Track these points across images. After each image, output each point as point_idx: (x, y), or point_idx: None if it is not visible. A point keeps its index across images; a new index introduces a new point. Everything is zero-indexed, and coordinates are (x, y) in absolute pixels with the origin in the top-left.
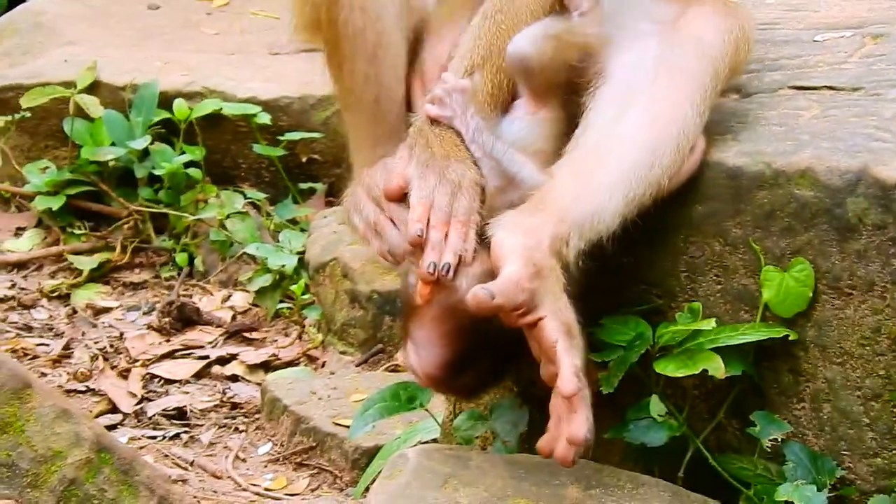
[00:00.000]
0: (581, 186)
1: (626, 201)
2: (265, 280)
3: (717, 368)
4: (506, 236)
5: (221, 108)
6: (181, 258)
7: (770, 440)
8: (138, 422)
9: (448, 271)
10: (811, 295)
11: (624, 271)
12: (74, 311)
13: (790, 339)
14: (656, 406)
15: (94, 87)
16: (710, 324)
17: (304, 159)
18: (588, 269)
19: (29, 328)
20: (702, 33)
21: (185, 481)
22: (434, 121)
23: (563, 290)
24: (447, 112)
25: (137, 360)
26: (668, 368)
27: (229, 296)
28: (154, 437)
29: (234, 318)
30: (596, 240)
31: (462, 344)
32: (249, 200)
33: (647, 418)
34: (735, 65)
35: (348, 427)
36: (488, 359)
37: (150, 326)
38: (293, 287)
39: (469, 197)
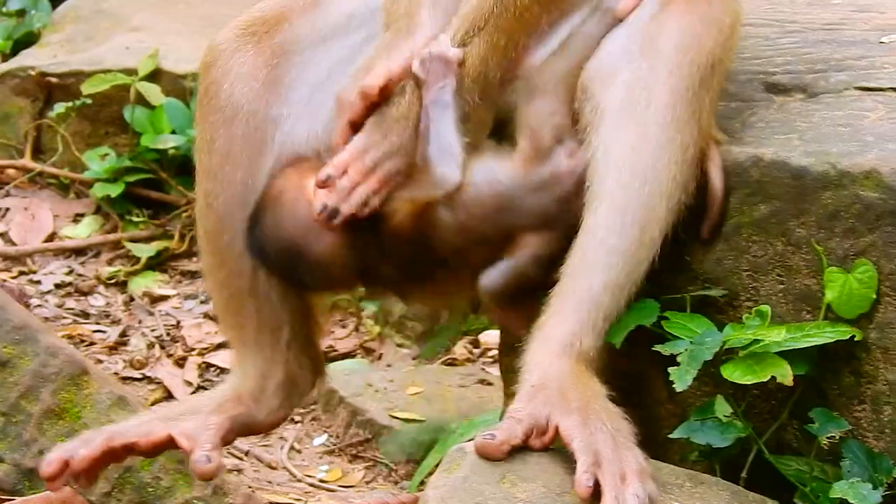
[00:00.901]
0: (573, 283)
1: (623, 273)
2: None
3: (786, 375)
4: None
5: None
6: None
7: (828, 438)
8: None
9: (335, 218)
10: (874, 296)
11: (686, 269)
12: (131, 299)
13: (854, 339)
14: (722, 406)
15: (155, 75)
16: (781, 334)
17: None
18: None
19: (86, 315)
20: (675, 42)
21: (240, 471)
22: (419, 81)
23: (578, 382)
24: (423, 75)
25: (194, 349)
26: (735, 374)
27: None
28: None
29: None
30: (612, 315)
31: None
32: None
33: (712, 419)
34: (721, 57)
35: (404, 420)
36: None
37: (206, 315)
38: None
39: (398, 163)
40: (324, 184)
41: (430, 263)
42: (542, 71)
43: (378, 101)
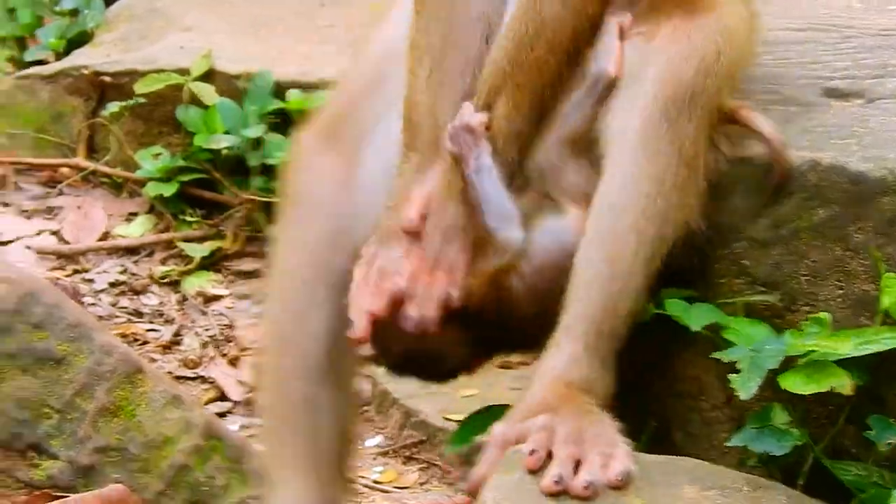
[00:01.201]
0: (563, 317)
1: (599, 307)
2: None
3: (845, 385)
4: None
5: None
6: None
7: (886, 444)
8: (248, 410)
9: (428, 325)
10: None
11: (743, 273)
12: (185, 298)
13: None
14: (779, 414)
15: (208, 75)
16: (848, 347)
17: None
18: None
19: (139, 314)
20: (652, 77)
21: None
22: (455, 157)
23: (566, 401)
24: (456, 149)
25: (248, 349)
26: (794, 383)
27: None
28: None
29: None
30: (597, 346)
31: None
32: None
33: (769, 426)
34: (706, 84)
35: (458, 422)
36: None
37: (260, 316)
38: None
39: (459, 245)
40: (401, 298)
41: (520, 330)
42: (556, 141)
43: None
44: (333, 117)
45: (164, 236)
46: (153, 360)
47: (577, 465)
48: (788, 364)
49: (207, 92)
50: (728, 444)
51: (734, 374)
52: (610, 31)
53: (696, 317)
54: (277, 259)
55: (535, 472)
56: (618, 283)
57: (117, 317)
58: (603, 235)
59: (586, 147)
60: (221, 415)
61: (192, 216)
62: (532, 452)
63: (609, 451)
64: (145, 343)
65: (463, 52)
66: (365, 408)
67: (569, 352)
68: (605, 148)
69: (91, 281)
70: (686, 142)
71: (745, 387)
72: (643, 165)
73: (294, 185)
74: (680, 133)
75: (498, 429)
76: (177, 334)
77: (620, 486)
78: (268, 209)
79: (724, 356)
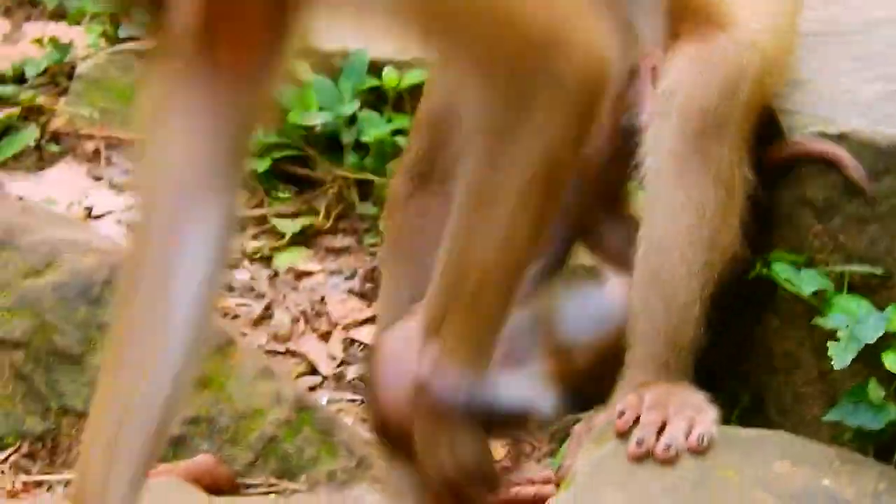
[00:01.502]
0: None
1: (661, 342)
2: None
3: None
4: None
5: None
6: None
7: None
8: (338, 384)
9: None
10: None
11: (839, 249)
12: (276, 274)
13: None
14: (875, 390)
15: (304, 52)
16: None
17: None
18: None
19: (230, 288)
20: (675, 105)
21: None
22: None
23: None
24: (435, 394)
25: (338, 324)
26: (892, 360)
27: None
28: (353, 401)
29: None
30: (684, 359)
31: None
32: None
33: (864, 401)
34: (730, 106)
35: None
36: None
37: (351, 291)
38: None
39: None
40: None
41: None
42: (595, 205)
43: None
44: (420, 157)
45: (257, 212)
46: (244, 335)
47: (663, 429)
48: (888, 340)
49: (302, 69)
50: (824, 418)
51: (833, 342)
52: (644, 76)
53: (806, 281)
54: (384, 298)
55: (624, 434)
56: (675, 316)
57: None
58: (654, 273)
59: (623, 204)
60: (311, 389)
61: (284, 192)
62: (621, 415)
63: (693, 416)
64: (236, 317)
65: (144, 426)
66: None
67: (640, 379)
68: (649, 176)
69: None
70: (720, 165)
71: (841, 357)
72: (681, 198)
73: (392, 226)
74: (713, 158)
75: (578, 426)
76: (267, 308)
77: (700, 450)
78: (360, 186)
79: (825, 322)
